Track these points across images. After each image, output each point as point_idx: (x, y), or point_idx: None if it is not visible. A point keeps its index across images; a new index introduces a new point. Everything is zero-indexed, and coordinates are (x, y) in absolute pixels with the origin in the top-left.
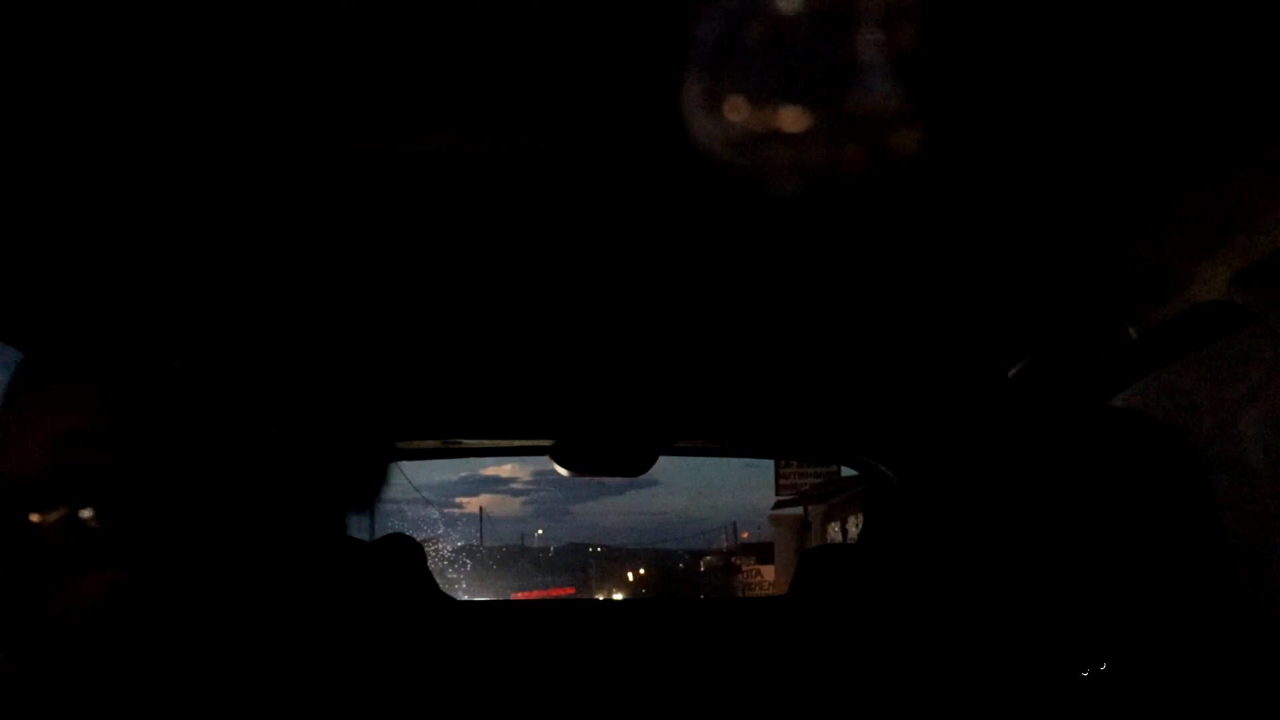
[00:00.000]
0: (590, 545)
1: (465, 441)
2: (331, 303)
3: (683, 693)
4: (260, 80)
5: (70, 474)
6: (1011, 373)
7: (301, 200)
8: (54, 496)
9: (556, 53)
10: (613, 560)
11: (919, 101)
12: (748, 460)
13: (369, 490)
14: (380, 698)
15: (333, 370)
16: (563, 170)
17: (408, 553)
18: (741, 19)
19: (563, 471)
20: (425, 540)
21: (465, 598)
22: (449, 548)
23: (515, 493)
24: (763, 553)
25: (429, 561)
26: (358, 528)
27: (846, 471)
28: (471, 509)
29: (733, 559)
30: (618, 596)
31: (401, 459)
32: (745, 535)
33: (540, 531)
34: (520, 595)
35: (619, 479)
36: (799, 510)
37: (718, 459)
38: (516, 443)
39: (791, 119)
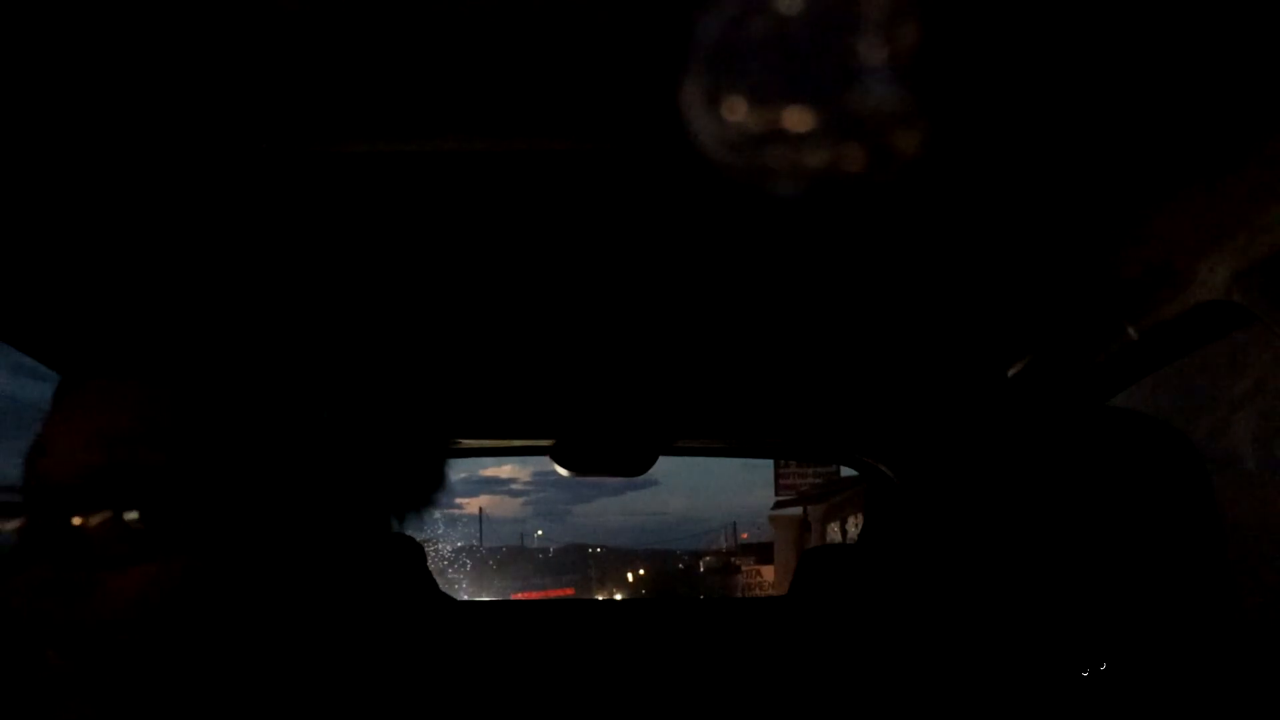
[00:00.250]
0: (590, 546)
1: (465, 441)
2: (332, 303)
3: (683, 693)
4: (262, 81)
5: (118, 473)
6: (1011, 373)
7: (303, 201)
8: (102, 495)
9: (557, 53)
10: (613, 561)
11: (918, 103)
12: (748, 460)
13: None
14: (380, 697)
15: (333, 370)
16: (563, 171)
17: (408, 553)
18: (742, 20)
19: (563, 471)
20: (424, 541)
21: (465, 598)
22: (449, 548)
23: (515, 493)
24: (762, 553)
25: (428, 562)
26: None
27: (846, 471)
28: (471, 509)
29: (732, 559)
30: (618, 597)
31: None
32: (745, 536)
33: (540, 532)
34: (520, 596)
35: (619, 479)
36: (798, 510)
37: (718, 459)
38: (516, 443)
39: (791, 120)
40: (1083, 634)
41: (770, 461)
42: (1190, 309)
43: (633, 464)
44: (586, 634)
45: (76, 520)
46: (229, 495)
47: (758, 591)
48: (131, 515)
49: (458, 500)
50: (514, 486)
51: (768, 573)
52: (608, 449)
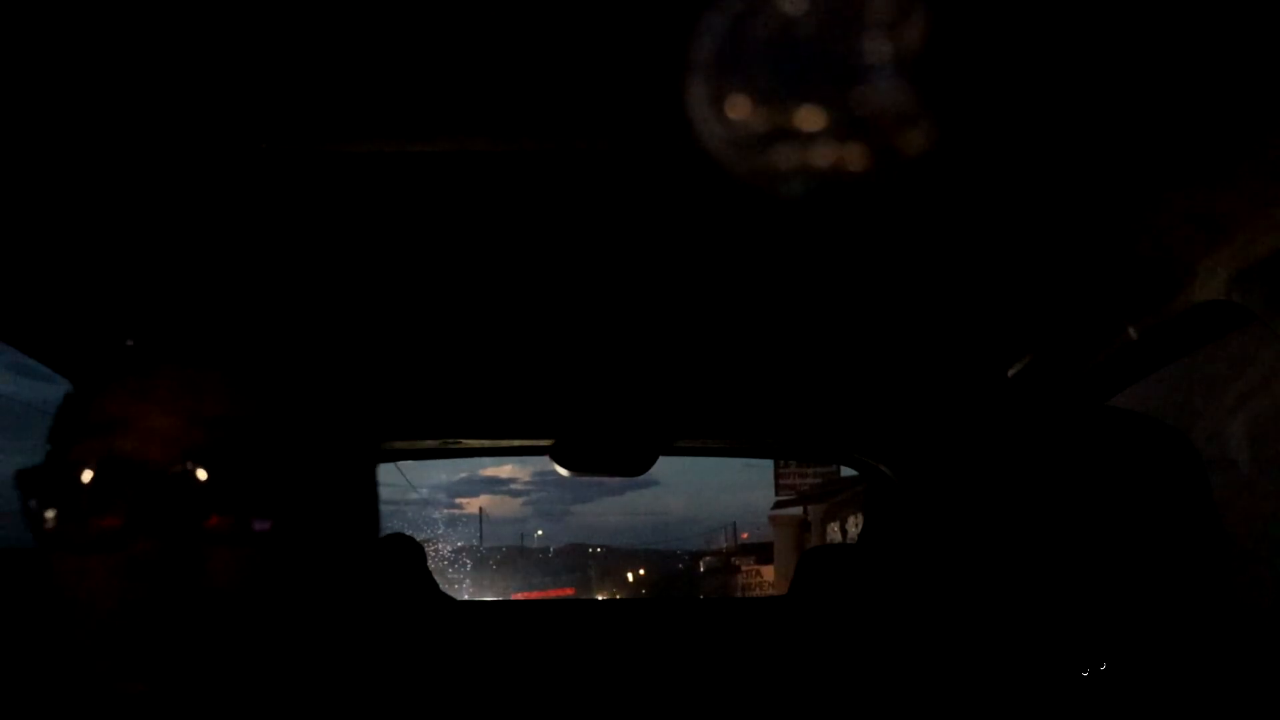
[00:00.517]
0: (590, 546)
1: (465, 441)
2: (333, 302)
3: (683, 693)
4: (262, 81)
5: (220, 453)
6: (1011, 373)
7: (304, 201)
8: (208, 475)
9: (558, 53)
10: (612, 561)
11: (919, 103)
12: (748, 460)
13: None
14: (381, 697)
15: (332, 370)
16: (563, 170)
17: (408, 553)
18: (745, 21)
19: (563, 471)
20: (424, 541)
21: (467, 597)
22: (448, 548)
23: (515, 493)
24: (762, 553)
25: (428, 562)
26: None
27: (846, 471)
28: (471, 509)
29: (732, 559)
30: (618, 597)
31: (401, 459)
32: (745, 535)
33: (540, 532)
34: (520, 595)
35: (619, 479)
36: (798, 510)
37: (718, 459)
38: (516, 443)
39: (792, 120)
40: (1082, 634)
41: (770, 461)
42: (1190, 309)
43: (633, 464)
44: (586, 634)
45: (184, 498)
46: (282, 483)
47: (757, 591)
48: (232, 495)
49: (458, 500)
50: (514, 486)
51: (767, 572)
52: (607, 449)
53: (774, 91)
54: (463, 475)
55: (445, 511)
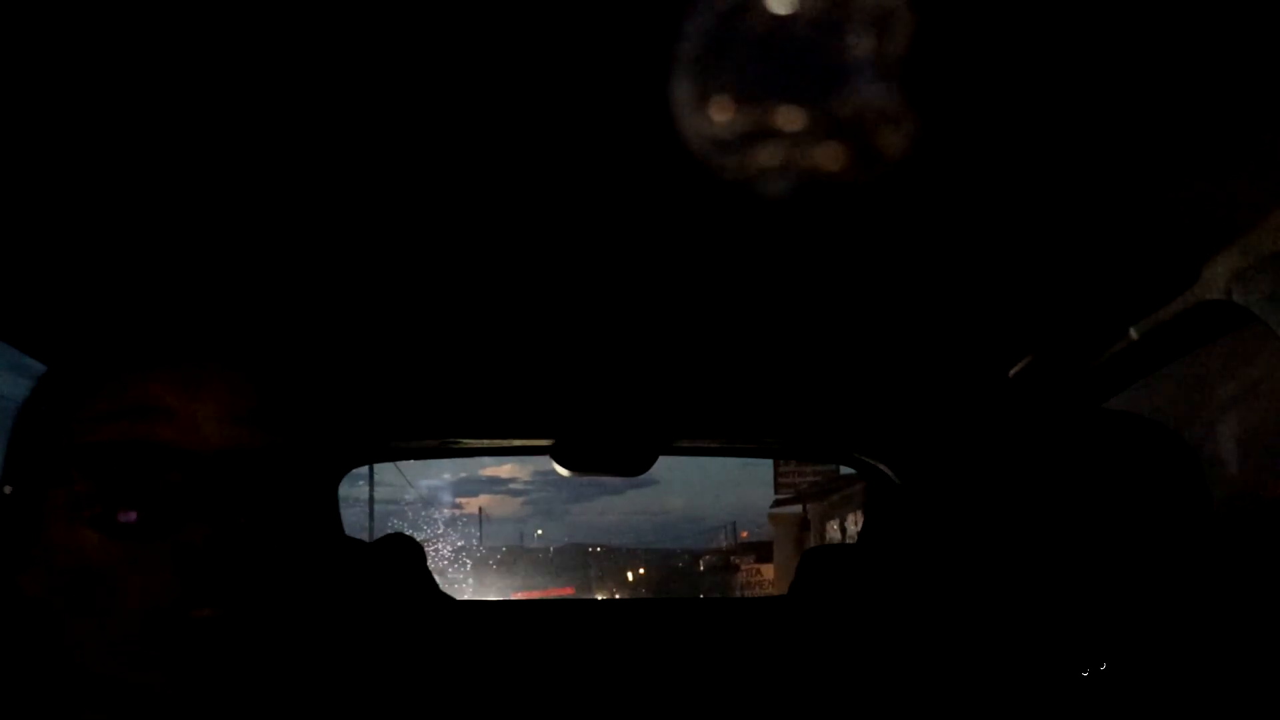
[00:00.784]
0: (590, 545)
1: (465, 441)
2: (333, 301)
3: (683, 693)
4: (267, 82)
5: (266, 443)
6: (1011, 373)
7: (302, 201)
8: (234, 468)
9: (558, 53)
10: (612, 560)
11: (918, 102)
12: (748, 460)
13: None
14: (381, 696)
15: (333, 369)
16: (563, 169)
17: (408, 552)
18: (743, 23)
19: (563, 471)
20: (424, 541)
21: (468, 597)
22: (448, 548)
23: (515, 493)
24: (762, 551)
25: (428, 562)
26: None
27: (846, 469)
28: (471, 509)
29: (732, 558)
30: (617, 596)
31: (401, 458)
32: (745, 534)
33: (540, 532)
34: (520, 595)
35: (619, 479)
36: (798, 509)
37: (718, 459)
38: (516, 442)
39: (791, 120)
40: (1082, 634)
41: (770, 460)
42: (1190, 309)
43: (632, 464)
44: (586, 634)
45: (231, 486)
46: (296, 480)
47: (757, 590)
48: (263, 488)
49: (458, 500)
50: (514, 486)
51: (767, 571)
52: (607, 449)
53: (774, 92)
54: (463, 475)
55: (446, 511)
